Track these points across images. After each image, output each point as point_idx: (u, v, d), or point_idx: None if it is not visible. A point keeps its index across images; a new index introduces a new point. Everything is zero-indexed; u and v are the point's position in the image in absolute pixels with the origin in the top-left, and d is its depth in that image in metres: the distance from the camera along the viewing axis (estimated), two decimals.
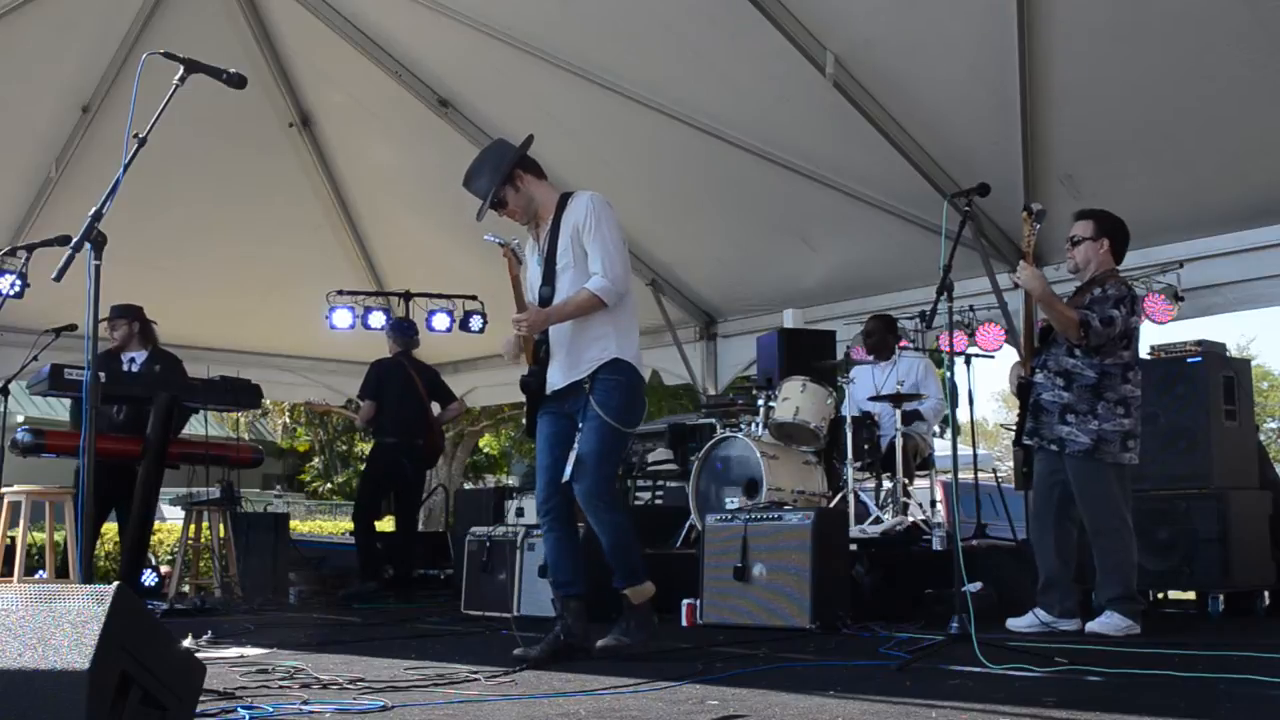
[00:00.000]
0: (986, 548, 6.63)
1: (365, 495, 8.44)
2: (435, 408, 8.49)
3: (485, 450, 24.94)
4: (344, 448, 27.27)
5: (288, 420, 26.72)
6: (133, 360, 7.34)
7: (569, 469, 4.24)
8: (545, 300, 4.37)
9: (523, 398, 4.55)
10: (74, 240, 3.06)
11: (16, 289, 7.49)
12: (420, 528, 10.38)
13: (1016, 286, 5.22)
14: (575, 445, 4.26)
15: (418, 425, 8.15)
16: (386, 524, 8.74)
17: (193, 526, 7.44)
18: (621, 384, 4.30)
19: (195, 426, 7.79)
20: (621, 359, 4.32)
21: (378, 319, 9.76)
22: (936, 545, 6.12)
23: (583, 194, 4.40)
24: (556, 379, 4.37)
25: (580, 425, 4.28)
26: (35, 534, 9.40)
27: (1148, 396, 5.19)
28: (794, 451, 6.72)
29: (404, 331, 8.52)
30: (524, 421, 4.60)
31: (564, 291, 4.34)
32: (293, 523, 10.51)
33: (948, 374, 7.09)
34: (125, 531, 7.05)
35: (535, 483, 4.52)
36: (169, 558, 10.61)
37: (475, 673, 3.74)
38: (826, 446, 6.88)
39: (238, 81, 3.49)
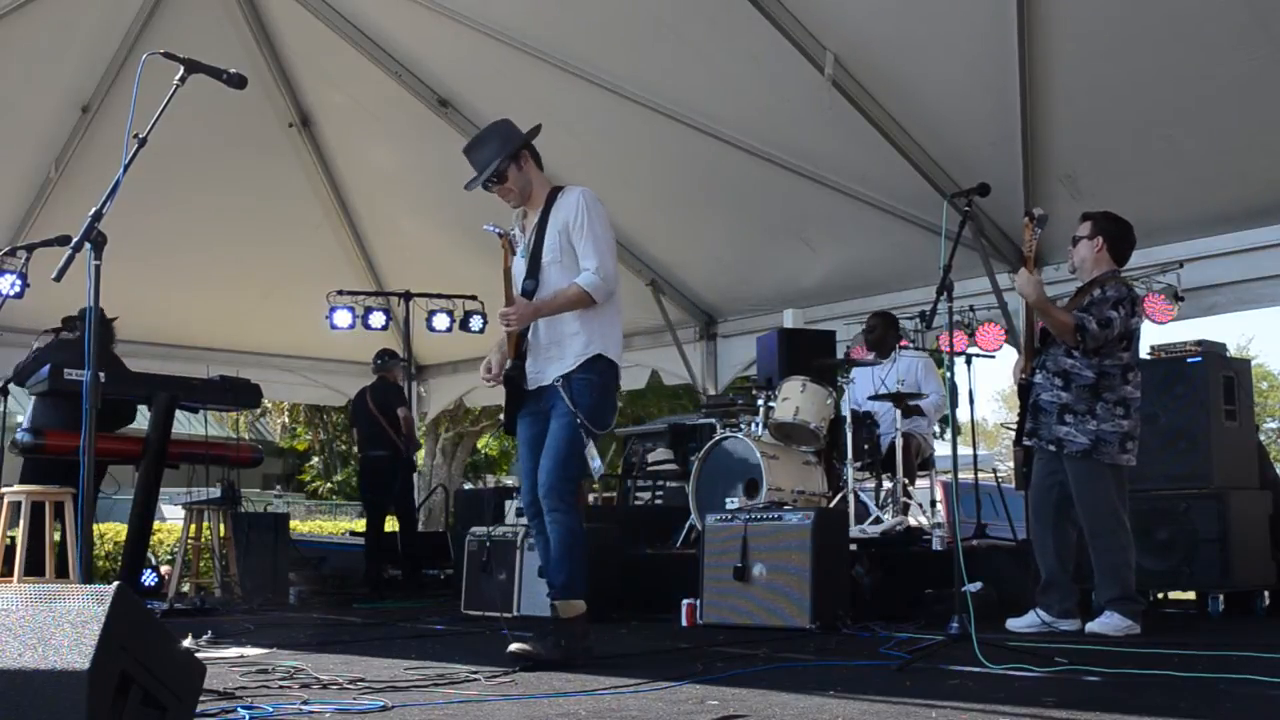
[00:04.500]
0: (986, 548, 6.63)
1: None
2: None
3: (485, 450, 24.93)
4: (343, 447, 27.30)
5: (287, 420, 26.74)
6: None
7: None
8: (528, 294, 4.28)
9: None
10: (74, 240, 3.06)
11: (16, 289, 7.49)
12: (420, 528, 10.42)
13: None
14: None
15: (373, 440, 8.95)
16: (388, 525, 9.13)
17: (193, 526, 7.44)
18: (595, 384, 4.21)
19: (195, 426, 7.79)
20: (604, 355, 4.24)
21: (378, 319, 9.86)
22: (936, 545, 6.12)
23: (574, 189, 4.34)
24: (537, 373, 4.29)
25: (551, 420, 4.20)
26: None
27: (1148, 396, 5.19)
28: (794, 451, 6.71)
29: (374, 360, 9.26)
30: (501, 418, 4.51)
31: (549, 286, 4.26)
32: (293, 523, 10.52)
33: (948, 374, 7.09)
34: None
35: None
36: (169, 558, 10.60)
37: (475, 673, 3.73)
38: (826, 446, 6.88)
39: (238, 81, 3.49)
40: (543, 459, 4.18)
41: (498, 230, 4.24)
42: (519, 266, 4.39)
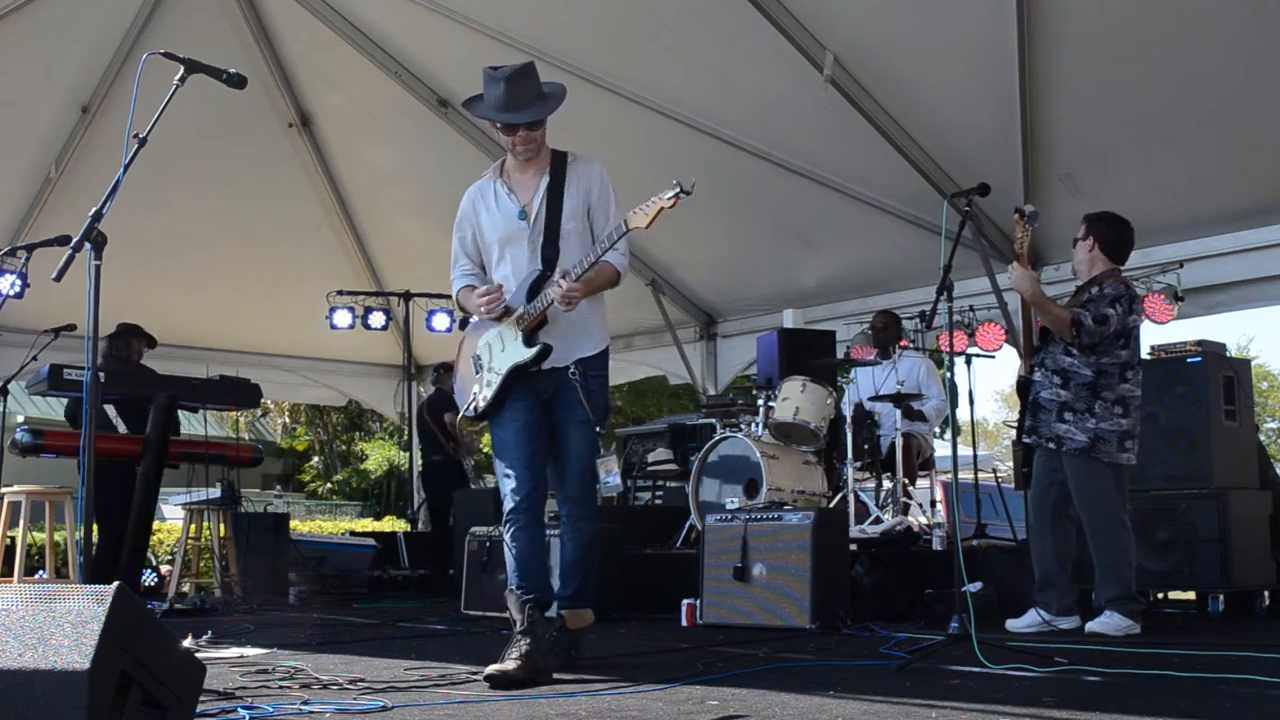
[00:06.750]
0: (986, 548, 6.63)
1: None
2: None
3: (485, 450, 24.93)
4: (343, 447, 27.33)
5: (287, 420, 26.77)
6: None
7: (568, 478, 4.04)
8: (550, 260, 3.96)
9: None
10: (74, 240, 3.06)
11: (16, 289, 7.49)
12: (419, 528, 10.45)
13: None
14: (565, 450, 4.00)
15: (429, 447, 9.63)
16: (387, 525, 9.25)
17: (193, 526, 7.44)
18: (605, 382, 4.15)
19: (195, 426, 7.79)
20: (606, 352, 4.14)
21: (378, 319, 9.90)
22: (936, 545, 6.12)
23: (591, 161, 4.14)
24: (555, 353, 3.96)
25: (560, 419, 3.99)
26: (35, 534, 9.40)
27: (1148, 396, 5.18)
28: (794, 451, 6.71)
29: (434, 370, 10.03)
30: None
31: (569, 256, 3.97)
32: (293, 523, 10.53)
33: (948, 374, 7.10)
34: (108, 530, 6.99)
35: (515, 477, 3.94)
36: (169, 558, 10.60)
37: (475, 673, 3.73)
38: (826, 446, 6.88)
39: (238, 81, 3.49)
40: (570, 467, 4.02)
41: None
42: (511, 223, 4.04)
